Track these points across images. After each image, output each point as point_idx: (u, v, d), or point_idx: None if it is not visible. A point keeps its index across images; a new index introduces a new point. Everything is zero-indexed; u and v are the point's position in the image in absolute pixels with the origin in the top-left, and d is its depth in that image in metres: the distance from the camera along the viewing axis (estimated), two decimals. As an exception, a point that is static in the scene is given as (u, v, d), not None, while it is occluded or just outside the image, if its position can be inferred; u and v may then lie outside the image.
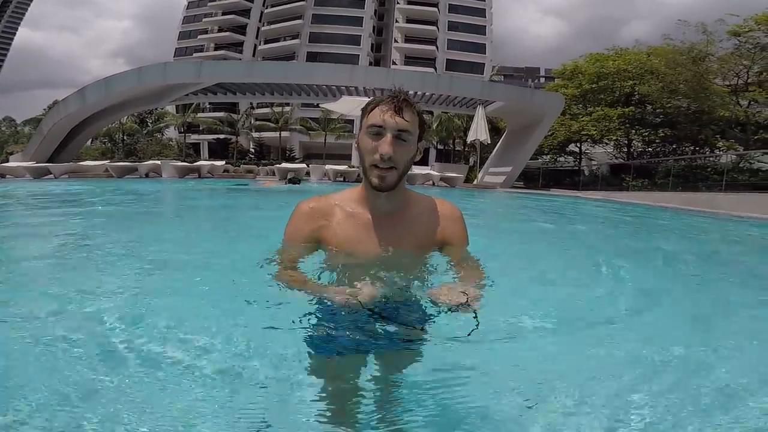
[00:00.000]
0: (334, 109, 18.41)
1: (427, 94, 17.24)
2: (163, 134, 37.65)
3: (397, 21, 46.20)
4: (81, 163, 16.77)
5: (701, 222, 7.77)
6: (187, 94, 18.95)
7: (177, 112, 32.20)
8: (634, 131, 20.11)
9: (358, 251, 1.16)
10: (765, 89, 16.41)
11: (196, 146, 41.93)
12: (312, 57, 41.71)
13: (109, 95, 16.14)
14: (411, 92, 17.38)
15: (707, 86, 16.79)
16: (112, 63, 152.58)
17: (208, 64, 17.94)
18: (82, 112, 16.80)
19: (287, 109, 34.18)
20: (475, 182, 18.45)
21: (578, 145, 22.89)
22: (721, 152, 17.33)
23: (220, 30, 47.54)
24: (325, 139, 32.47)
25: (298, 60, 41.28)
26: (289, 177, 12.97)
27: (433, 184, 15.74)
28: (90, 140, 26.44)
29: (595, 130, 19.66)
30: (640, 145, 20.92)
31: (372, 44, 45.97)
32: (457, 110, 21.17)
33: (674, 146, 19.51)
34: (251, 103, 36.83)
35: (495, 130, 20.20)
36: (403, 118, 1.07)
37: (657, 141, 19.75)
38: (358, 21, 44.36)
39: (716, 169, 13.91)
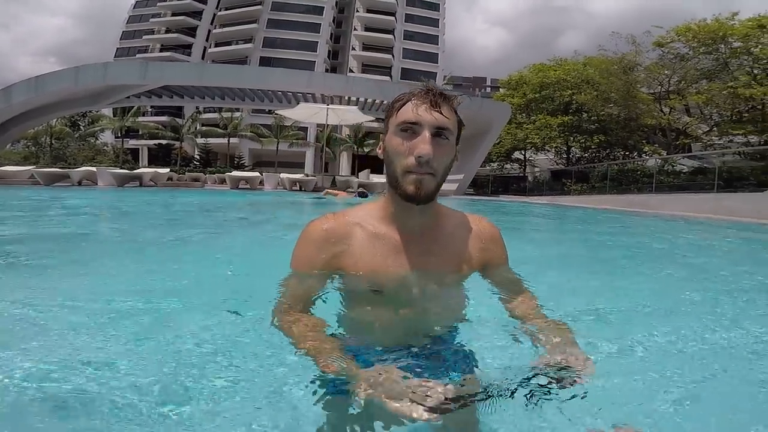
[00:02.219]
0: (290, 116, 18.21)
1: (384, 101, 17.56)
2: (97, 139, 34.97)
3: (355, 29, 46.52)
4: (1, 168, 15.15)
5: (639, 221, 8.67)
6: (128, 97, 17.87)
7: (114, 116, 30.10)
8: (572, 138, 21.81)
9: (385, 278, 0.96)
10: (684, 97, 18.51)
11: (134, 152, 39.46)
12: (265, 62, 41.00)
13: (39, 95, 14.84)
14: (369, 100, 17.88)
15: (635, 94, 18.63)
16: (43, 61, 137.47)
17: (155, 66, 16.99)
18: (6, 113, 15.27)
19: (237, 114, 33.16)
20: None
21: (523, 152, 24.38)
22: (648, 156, 19.25)
23: (167, 31, 45.54)
24: (277, 147, 31.83)
25: (251, 64, 40.36)
26: (359, 191, 11.90)
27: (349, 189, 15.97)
28: (10, 143, 23.90)
29: (538, 138, 21.10)
30: (578, 151, 22.71)
31: (329, 51, 45.95)
32: (412, 120, 21.67)
33: (608, 151, 21.39)
34: (197, 108, 35.29)
35: (447, 138, 20.96)
36: (441, 113, 0.88)
37: (593, 147, 21.55)
38: (315, 27, 44.28)
39: (645, 172, 15.47)
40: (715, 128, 18.55)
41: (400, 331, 0.99)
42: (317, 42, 43.95)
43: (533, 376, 0.71)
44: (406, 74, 44.61)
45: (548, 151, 23.39)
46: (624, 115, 19.24)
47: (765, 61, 16.74)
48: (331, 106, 16.23)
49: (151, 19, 46.04)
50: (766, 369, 1.27)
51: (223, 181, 16.98)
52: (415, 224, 0.96)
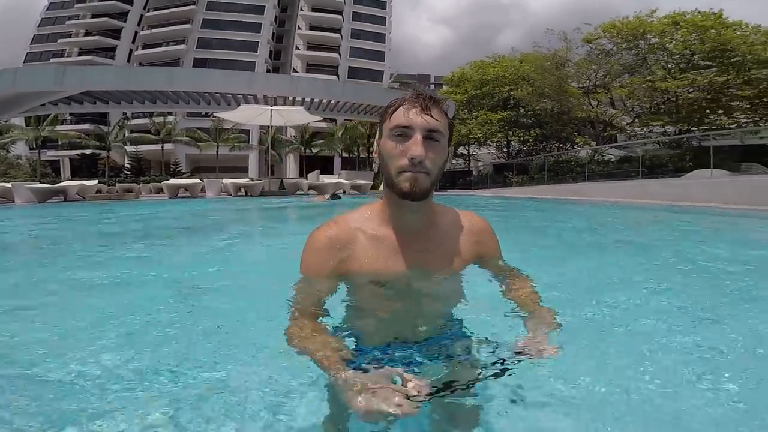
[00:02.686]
0: (231, 118, 17.44)
1: (332, 101, 17.36)
2: (8, 151, 31.43)
3: (299, 28, 45.63)
4: None
5: (575, 207, 9.27)
6: (43, 104, 16.24)
7: (28, 125, 27.21)
8: (511, 132, 22.88)
9: (387, 277, 1.01)
10: (609, 90, 20.02)
11: (54, 164, 36.25)
12: (200, 63, 39.24)
13: (-66, 106, 13.07)
14: (316, 100, 17.55)
15: (566, 89, 19.88)
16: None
17: (73, 70, 15.55)
18: None
19: (170, 119, 31.22)
20: (381, 188, 19.11)
21: (467, 147, 25.19)
22: (580, 147, 20.64)
23: (87, 33, 42.23)
24: (217, 151, 30.36)
25: (183, 66, 38.36)
26: (332, 193, 12.72)
27: (344, 192, 15.88)
28: None
29: (480, 133, 21.88)
30: (517, 144, 23.85)
31: (271, 51, 44.70)
32: (360, 117, 21.67)
33: (544, 144, 22.66)
34: (125, 113, 32.84)
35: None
36: (432, 116, 0.92)
37: (530, 140, 22.73)
38: (256, 27, 42.96)
39: (578, 163, 16.58)
40: (636, 119, 20.26)
41: (401, 322, 1.05)
42: (258, 42, 42.74)
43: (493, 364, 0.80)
44: (354, 73, 44.56)
45: (490, 145, 24.35)
46: (557, 109, 20.44)
47: (677, 56, 18.53)
48: (275, 107, 15.75)
49: (68, 22, 42.62)
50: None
51: (160, 191, 15.92)
52: (413, 223, 1.01)
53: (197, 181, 15.55)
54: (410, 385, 0.64)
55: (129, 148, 32.69)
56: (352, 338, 1.00)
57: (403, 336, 1.00)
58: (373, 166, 30.19)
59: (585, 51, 20.24)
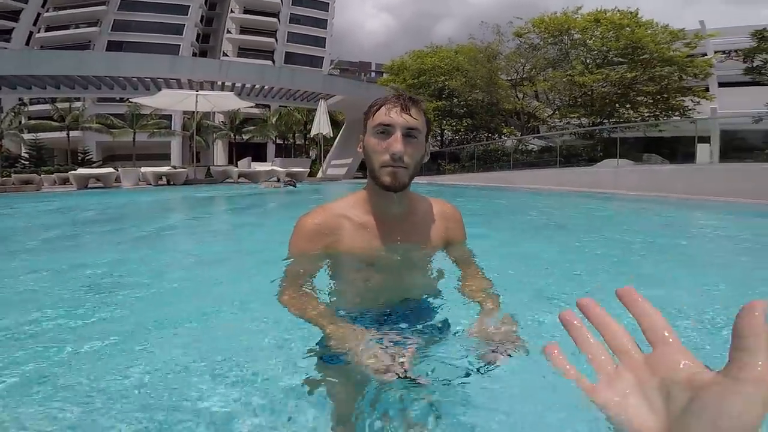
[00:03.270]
0: (150, 104, 16.13)
1: (266, 87, 16.61)
2: None
3: (233, 11, 43.29)
4: None
5: (501, 193, 9.82)
6: None
7: None
8: (445, 122, 23.51)
9: (372, 257, 1.11)
10: (534, 83, 21.20)
11: None
12: (115, 47, 35.65)
13: None
14: (248, 85, 16.67)
15: (496, 81, 20.75)
16: None
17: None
18: None
19: (77, 104, 28.05)
20: (319, 175, 18.79)
21: (404, 135, 25.51)
22: (506, 137, 21.76)
23: None
24: (134, 138, 27.88)
25: (95, 49, 34.77)
26: (285, 181, 12.57)
27: (278, 180, 15.38)
28: None
29: (416, 121, 22.24)
30: (450, 134, 24.58)
31: (199, 34, 41.83)
32: (297, 104, 21.01)
33: (474, 134, 23.55)
34: (21, 99, 28.93)
35: (335, 124, 20.93)
36: (411, 115, 1.01)
37: (462, 130, 23.52)
38: (182, 9, 39.89)
39: (504, 152, 17.48)
40: (557, 111, 21.74)
41: (384, 298, 1.15)
42: (184, 25, 39.89)
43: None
44: (291, 59, 43.25)
45: (427, 134, 24.87)
46: (487, 100, 21.30)
47: (595, 52, 20.01)
48: (201, 92, 14.75)
49: None
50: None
51: (66, 181, 14.33)
52: (394, 210, 1.11)
53: (110, 170, 14.16)
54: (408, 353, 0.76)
55: (27, 135, 28.96)
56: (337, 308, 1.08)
57: (385, 306, 1.11)
58: (311, 153, 29.61)
59: (515, 45, 21.22)
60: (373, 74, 55.59)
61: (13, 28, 37.32)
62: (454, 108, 22.99)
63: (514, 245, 3.24)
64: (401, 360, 0.73)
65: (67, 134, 27.32)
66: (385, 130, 1.01)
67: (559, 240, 3.67)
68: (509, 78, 21.76)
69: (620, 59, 19.12)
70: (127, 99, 19.79)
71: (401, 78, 23.55)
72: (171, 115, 31.76)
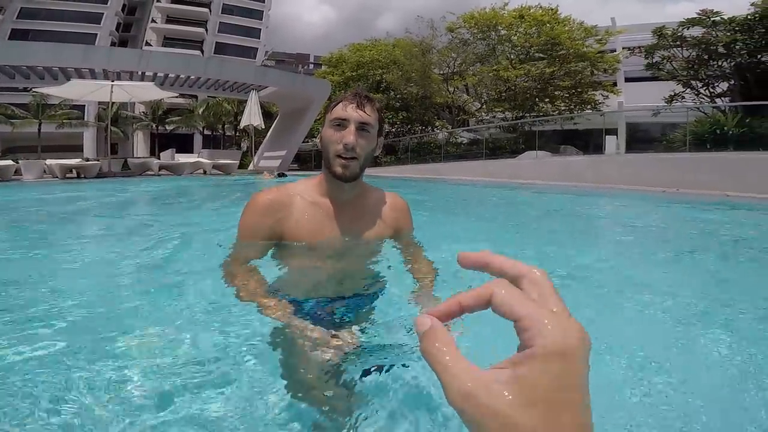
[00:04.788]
0: (58, 94, 14.78)
1: (192, 77, 15.70)
2: None
3: (158, 0, 40.45)
4: None
5: (431, 185, 10.23)
6: None
7: None
8: (383, 115, 23.64)
9: (321, 240, 1.17)
10: (464, 78, 21.89)
11: None
12: (20, 35, 32.16)
13: None
14: (172, 75, 15.65)
15: (429, 75, 21.18)
16: None
17: None
18: None
19: (-30, 93, 24.64)
20: (250, 167, 18.22)
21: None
22: (438, 131, 22.47)
23: None
24: (39, 129, 25.15)
25: None
26: (277, 173, 13.03)
27: (205, 172, 14.73)
28: None
29: (355, 113, 22.17)
30: (387, 126, 24.84)
31: (119, 23, 38.68)
32: (227, 95, 20.05)
33: (409, 127, 24.01)
34: None
35: (267, 115, 20.28)
36: (365, 111, 1.12)
37: (398, 123, 23.89)
38: None
39: (436, 144, 18.06)
40: (484, 105, 22.73)
41: (331, 280, 1.24)
42: (102, 14, 36.81)
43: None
44: (222, 49, 41.51)
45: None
46: (421, 93, 21.72)
47: (519, 48, 20.99)
48: (117, 82, 13.65)
49: None
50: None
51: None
52: (345, 197, 1.20)
53: (8, 162, 12.75)
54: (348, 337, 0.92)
55: None
56: (285, 296, 1.12)
57: (331, 291, 1.20)
58: (242, 144, 28.51)
59: (447, 39, 21.74)
60: (311, 66, 54.36)
61: None
62: (391, 101, 23.25)
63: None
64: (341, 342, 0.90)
65: (-41, 125, 24.04)
66: (341, 123, 1.13)
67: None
68: (441, 72, 22.34)
69: (541, 55, 20.19)
70: (31, 89, 17.84)
71: (339, 71, 23.33)
72: (84, 106, 29.05)
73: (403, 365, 0.99)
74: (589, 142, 16.92)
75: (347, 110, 1.14)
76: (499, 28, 20.86)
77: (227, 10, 43.83)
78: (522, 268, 0.27)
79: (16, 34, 32.75)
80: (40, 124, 25.07)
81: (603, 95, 21.02)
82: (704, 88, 16.83)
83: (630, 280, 2.22)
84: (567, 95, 21.10)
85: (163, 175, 13.86)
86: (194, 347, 1.22)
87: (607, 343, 1.27)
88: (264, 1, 46.21)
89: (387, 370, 0.97)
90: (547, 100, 21.14)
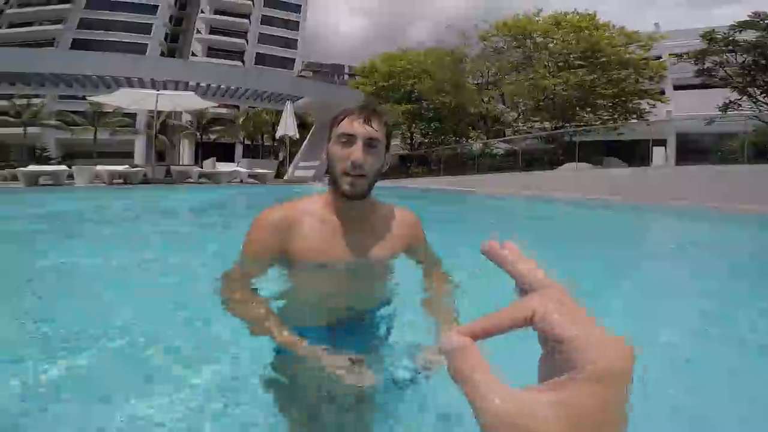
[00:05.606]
0: (109, 102, 15.64)
1: (232, 87, 16.36)
2: None
3: (202, 12, 42.82)
4: None
5: (464, 198, 9.97)
6: None
7: None
8: (414, 125, 23.61)
9: (329, 259, 1.13)
10: (499, 87, 21.48)
11: None
12: (80, 45, 34.87)
13: None
14: (213, 85, 16.39)
15: (463, 84, 20.93)
16: None
17: None
18: None
19: (36, 101, 26.97)
20: (285, 177, 18.59)
21: (373, 138, 25.52)
22: (472, 141, 22.09)
23: None
24: (95, 136, 27.02)
25: (59, 47, 33.99)
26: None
27: (241, 181, 15.14)
28: None
29: (386, 124, 22.28)
30: (419, 137, 24.74)
31: (167, 34, 41.18)
32: (265, 105, 20.74)
33: (442, 137, 23.79)
34: None
35: (303, 125, 20.71)
36: (372, 127, 1.07)
37: (430, 133, 23.70)
38: (151, 9, 39.33)
39: (470, 156, 17.72)
40: (521, 115, 22.16)
41: (338, 302, 1.19)
42: (152, 24, 39.28)
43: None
44: (262, 60, 43.11)
45: (395, 137, 24.93)
46: (454, 103, 21.50)
47: (557, 54, 20.38)
48: (162, 91, 14.37)
49: None
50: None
51: (15, 178, 13.71)
52: (354, 215, 1.15)
53: (62, 167, 13.63)
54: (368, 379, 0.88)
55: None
56: (291, 316, 1.12)
57: (340, 315, 1.17)
58: (279, 155, 29.24)
59: (480, 48, 21.44)
60: (346, 76, 55.46)
61: (-27, 25, 36.06)
62: (423, 111, 23.11)
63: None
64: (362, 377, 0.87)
65: (24, 131, 26.21)
66: (348, 140, 1.08)
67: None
68: (476, 82, 22.01)
69: (580, 62, 19.51)
70: (84, 96, 19.27)
71: (372, 80, 23.52)
72: (135, 114, 30.98)
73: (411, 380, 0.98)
74: (634, 153, 16.12)
75: (354, 125, 1.08)
76: (534, 35, 20.34)
77: (266, 20, 45.54)
78: (545, 281, 0.26)
79: (77, 44, 35.47)
80: (95, 131, 26.94)
81: (650, 104, 20.00)
82: (763, 95, 15.62)
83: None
84: (610, 104, 20.26)
85: (203, 183, 14.36)
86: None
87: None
88: (300, 12, 47.72)
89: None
90: (588, 109, 20.36)
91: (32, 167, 13.79)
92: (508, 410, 0.21)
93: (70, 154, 29.79)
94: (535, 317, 0.23)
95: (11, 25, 37.12)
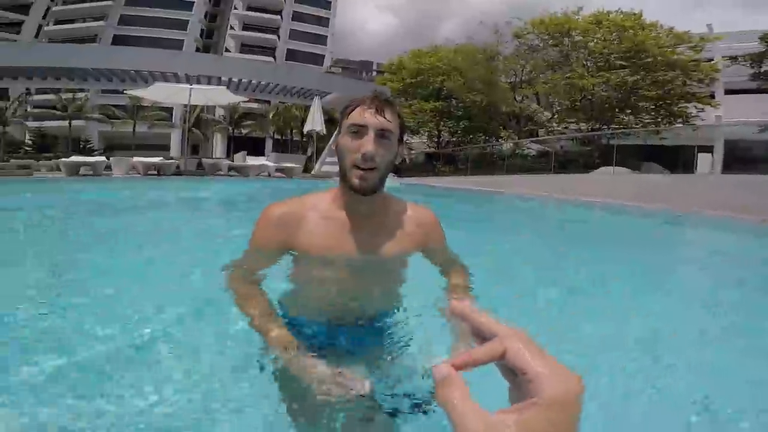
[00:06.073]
0: (144, 96, 16.21)
1: (263, 83, 16.62)
2: None
3: (235, 8, 43.81)
4: None
5: (492, 198, 9.62)
6: None
7: None
8: (442, 123, 23.26)
9: (334, 256, 1.10)
10: (532, 86, 20.81)
11: None
12: (121, 40, 36.25)
13: None
14: (245, 80, 16.71)
15: (495, 83, 20.41)
16: None
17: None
18: None
19: (81, 95, 28.43)
20: (313, 172, 18.69)
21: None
22: (503, 141, 21.50)
23: None
24: (134, 129, 28.23)
25: (101, 43, 35.49)
26: None
27: (269, 175, 15.29)
28: None
29: (413, 121, 22.02)
30: (447, 135, 24.36)
31: (202, 30, 42.45)
32: (294, 100, 20.99)
33: (471, 136, 23.30)
34: (27, 89, 29.56)
35: (331, 121, 20.78)
36: (384, 117, 1.02)
37: (459, 132, 23.27)
38: (187, 5, 40.51)
39: (500, 156, 17.24)
40: (555, 116, 21.37)
41: (343, 300, 1.13)
42: (188, 20, 40.48)
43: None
44: (293, 56, 43.54)
45: (422, 134, 24.67)
46: (485, 102, 21.00)
47: (597, 54, 19.53)
48: (195, 86, 14.72)
49: None
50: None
51: (59, 168, 14.43)
52: (363, 211, 1.09)
53: (101, 158, 14.23)
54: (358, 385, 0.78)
55: (32, 123, 29.45)
56: (294, 310, 1.09)
57: (344, 314, 1.10)
58: (307, 150, 29.56)
59: (514, 46, 20.85)
60: (374, 73, 55.69)
61: (23, 21, 38.13)
62: (452, 109, 22.70)
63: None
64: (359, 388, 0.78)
65: (69, 123, 27.65)
66: (359, 131, 1.02)
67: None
68: (509, 80, 21.40)
69: (622, 62, 18.65)
70: (122, 90, 20.12)
71: (399, 77, 23.34)
72: (172, 108, 32.10)
73: (422, 410, 0.90)
74: (677, 159, 15.32)
75: (365, 116, 1.02)
76: (573, 33, 19.55)
77: (297, 17, 46.06)
78: (507, 331, 0.31)
79: (117, 40, 36.98)
80: (134, 124, 28.13)
81: (697, 108, 18.84)
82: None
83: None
84: (653, 107, 19.24)
85: (232, 176, 14.59)
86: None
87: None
88: (330, 9, 48.04)
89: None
90: (629, 111, 19.43)
91: (73, 158, 14.48)
92: (479, 429, 0.26)
93: (111, 146, 31.35)
94: (506, 354, 0.29)
95: (57, 22, 39.10)
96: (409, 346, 1.07)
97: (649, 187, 10.36)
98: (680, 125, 18.39)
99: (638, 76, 18.00)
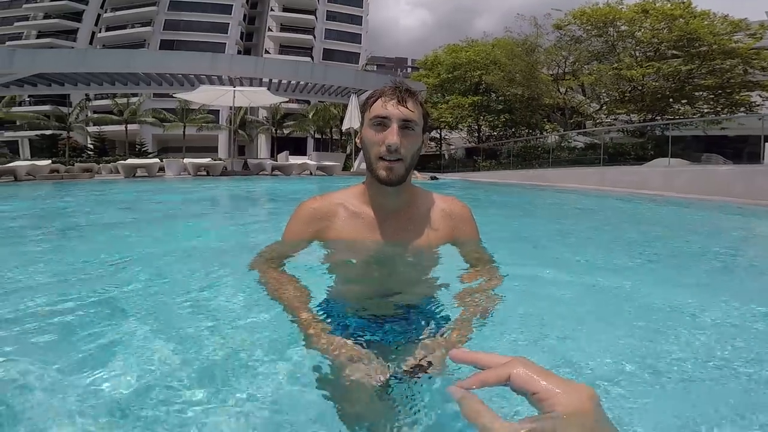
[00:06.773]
0: (191, 99, 16.97)
1: (301, 83, 16.98)
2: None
3: (272, 10, 44.96)
4: None
5: (537, 192, 9.33)
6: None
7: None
8: (482, 117, 22.80)
9: (365, 249, 1.12)
10: (577, 77, 20.01)
11: (12, 144, 35.01)
12: (167, 45, 38.38)
13: None
14: (284, 81, 17.14)
15: (536, 75, 19.80)
16: None
17: (23, 53, 14.89)
18: None
19: (134, 99, 30.19)
20: (351, 170, 18.90)
21: (438, 131, 25.12)
22: (547, 134, 20.78)
23: (46, 16, 40.30)
24: (184, 131, 29.64)
25: (150, 48, 37.56)
26: (431, 176, 13.19)
27: (311, 173, 15.62)
28: None
29: (451, 117, 21.74)
30: (487, 129, 23.84)
31: (242, 32, 43.89)
32: (332, 99, 21.32)
33: (513, 130, 22.67)
34: (87, 95, 31.70)
35: (367, 119, 20.91)
36: (407, 107, 1.02)
37: (500, 126, 22.70)
38: (226, 9, 42.01)
39: (545, 149, 16.67)
40: (603, 107, 20.43)
41: (372, 291, 1.14)
42: (228, 23, 41.89)
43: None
44: (329, 55, 44.23)
45: (461, 129, 24.29)
46: (527, 95, 20.40)
47: (645, 44, 18.55)
48: (238, 88, 15.28)
49: (25, 5, 40.74)
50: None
51: (117, 170, 15.42)
52: (391, 204, 1.11)
53: (155, 160, 15.10)
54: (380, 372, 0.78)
55: (92, 128, 31.61)
56: (328, 299, 1.09)
57: (370, 305, 1.08)
58: (347, 148, 29.94)
59: (555, 37, 20.14)
60: (409, 70, 55.48)
61: (78, 28, 40.75)
62: (492, 103, 22.21)
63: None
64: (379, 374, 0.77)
65: (125, 127, 29.42)
66: (382, 122, 1.02)
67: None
68: (551, 72, 20.66)
69: (674, 52, 17.58)
70: (172, 94, 21.08)
71: (435, 73, 23.12)
72: (218, 110, 33.37)
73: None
74: (741, 150, 14.27)
75: (388, 107, 1.02)
76: (618, 23, 18.62)
77: (330, 16, 46.62)
78: (508, 358, 0.36)
79: (164, 45, 38.95)
80: (184, 127, 29.57)
81: (762, 96, 17.46)
82: None
83: None
84: (711, 96, 18.00)
85: (276, 175, 15.04)
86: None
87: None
88: (362, 7, 48.25)
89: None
90: (684, 101, 18.26)
91: (130, 161, 15.47)
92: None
93: (164, 149, 33.14)
94: (511, 378, 0.34)
95: (108, 29, 41.41)
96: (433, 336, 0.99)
97: (710, 179, 9.67)
98: (743, 114, 17.08)
99: (693, 66, 17.00)
